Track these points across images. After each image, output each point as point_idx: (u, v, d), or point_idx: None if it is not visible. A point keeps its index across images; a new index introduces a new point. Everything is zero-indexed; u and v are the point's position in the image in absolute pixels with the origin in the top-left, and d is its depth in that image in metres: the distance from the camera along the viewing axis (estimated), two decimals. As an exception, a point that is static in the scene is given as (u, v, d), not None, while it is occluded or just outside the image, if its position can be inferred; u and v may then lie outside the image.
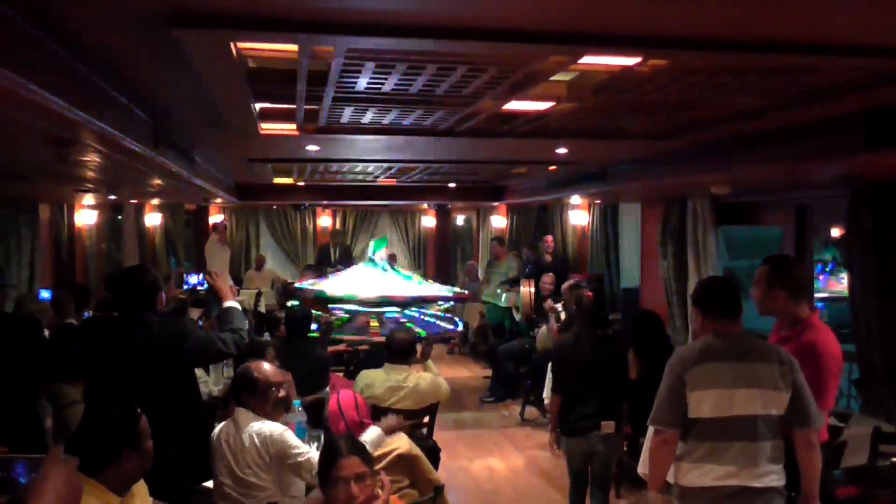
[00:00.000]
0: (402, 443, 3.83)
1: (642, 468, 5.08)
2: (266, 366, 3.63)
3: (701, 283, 3.52)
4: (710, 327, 3.17)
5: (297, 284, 8.02)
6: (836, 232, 7.16)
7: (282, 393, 3.61)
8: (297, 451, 3.39)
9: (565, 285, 7.65)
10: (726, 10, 2.24)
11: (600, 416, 4.60)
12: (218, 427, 3.61)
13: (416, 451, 3.87)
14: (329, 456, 2.68)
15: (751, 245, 10.38)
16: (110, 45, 2.75)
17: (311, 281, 8.09)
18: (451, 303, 8.31)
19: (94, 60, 2.88)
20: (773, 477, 3.01)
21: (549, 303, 7.82)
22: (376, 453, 3.58)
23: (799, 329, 3.49)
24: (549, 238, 10.26)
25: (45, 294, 7.74)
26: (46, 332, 4.32)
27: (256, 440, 3.38)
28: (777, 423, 3.03)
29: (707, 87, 3.35)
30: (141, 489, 2.65)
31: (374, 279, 7.60)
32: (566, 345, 4.95)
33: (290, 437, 3.45)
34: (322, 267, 11.49)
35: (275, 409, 3.56)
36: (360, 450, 2.72)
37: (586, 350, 4.72)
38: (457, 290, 8.59)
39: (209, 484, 3.62)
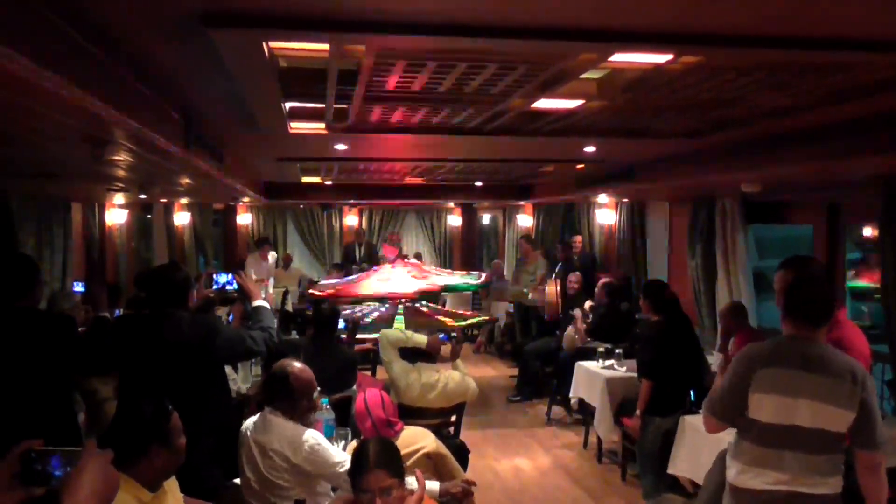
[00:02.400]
0: (428, 441, 3.82)
1: (672, 468, 5.08)
2: (299, 366, 3.58)
3: (798, 278, 3.27)
4: (790, 327, 3.04)
5: (314, 291, 8.12)
6: (868, 231, 7.04)
7: (316, 397, 3.59)
8: (335, 460, 3.34)
9: (599, 284, 7.64)
10: (761, 5, 2.22)
11: (685, 395, 5.39)
12: (247, 422, 3.61)
13: (443, 450, 3.87)
14: (358, 464, 2.68)
15: (781, 244, 10.24)
16: (144, 44, 2.78)
17: (330, 282, 8.21)
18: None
19: (128, 60, 2.92)
20: (828, 486, 2.93)
21: (577, 313, 7.79)
22: (403, 452, 3.57)
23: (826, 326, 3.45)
24: (579, 238, 10.23)
25: (78, 288, 7.87)
26: (80, 330, 4.38)
27: (286, 444, 3.34)
28: (838, 439, 2.92)
29: (740, 84, 3.32)
30: (172, 485, 2.68)
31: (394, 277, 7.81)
32: (655, 333, 5.39)
33: (325, 448, 3.37)
34: (348, 265, 11.56)
35: (307, 413, 3.55)
36: (389, 462, 2.68)
37: (673, 336, 5.31)
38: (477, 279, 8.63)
39: (238, 480, 3.64)
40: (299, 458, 3.32)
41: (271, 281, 11.19)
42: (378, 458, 2.66)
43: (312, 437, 3.41)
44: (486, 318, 8.70)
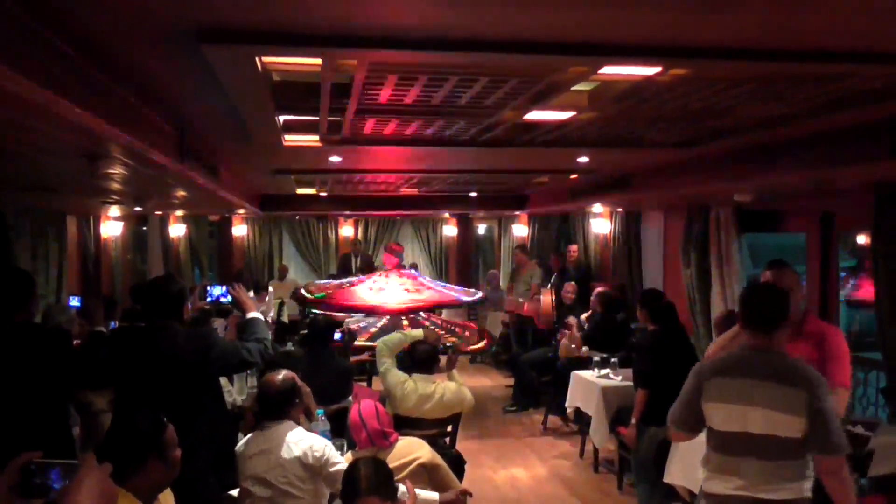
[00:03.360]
0: (423, 452, 3.82)
1: (668, 476, 5.09)
2: (282, 374, 3.69)
3: (747, 287, 3.38)
4: (746, 337, 3.12)
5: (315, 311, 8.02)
6: (861, 239, 7.08)
7: (307, 399, 3.67)
8: (336, 460, 3.46)
9: (594, 293, 7.65)
10: (748, 18, 2.24)
11: None
12: (245, 439, 3.63)
13: (438, 460, 3.87)
14: (349, 490, 2.69)
15: (775, 253, 10.26)
16: (139, 60, 2.80)
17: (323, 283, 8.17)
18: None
19: (122, 75, 2.94)
20: (790, 491, 2.95)
21: (571, 319, 7.80)
22: (398, 463, 3.59)
23: (801, 322, 3.64)
24: (574, 248, 10.24)
25: (74, 302, 7.85)
26: (75, 343, 4.38)
27: (298, 451, 3.42)
28: (798, 445, 2.93)
29: (730, 95, 3.35)
30: (167, 497, 2.68)
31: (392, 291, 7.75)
32: (651, 343, 5.38)
33: (331, 449, 3.51)
34: (344, 276, 11.55)
35: (300, 417, 3.62)
36: (379, 486, 2.68)
37: (670, 345, 5.30)
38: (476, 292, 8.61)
39: (235, 492, 3.65)
40: (311, 459, 3.41)
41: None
42: (369, 483, 2.66)
43: (323, 441, 3.51)
44: (481, 345, 8.61)
